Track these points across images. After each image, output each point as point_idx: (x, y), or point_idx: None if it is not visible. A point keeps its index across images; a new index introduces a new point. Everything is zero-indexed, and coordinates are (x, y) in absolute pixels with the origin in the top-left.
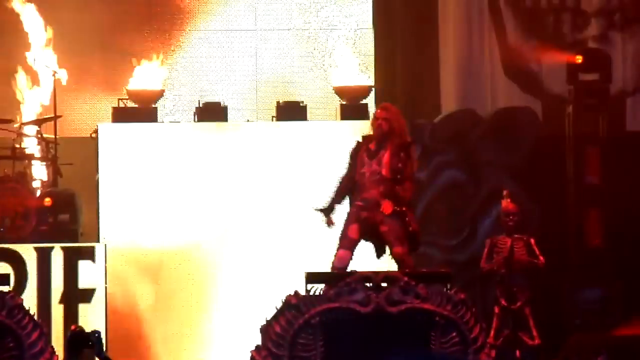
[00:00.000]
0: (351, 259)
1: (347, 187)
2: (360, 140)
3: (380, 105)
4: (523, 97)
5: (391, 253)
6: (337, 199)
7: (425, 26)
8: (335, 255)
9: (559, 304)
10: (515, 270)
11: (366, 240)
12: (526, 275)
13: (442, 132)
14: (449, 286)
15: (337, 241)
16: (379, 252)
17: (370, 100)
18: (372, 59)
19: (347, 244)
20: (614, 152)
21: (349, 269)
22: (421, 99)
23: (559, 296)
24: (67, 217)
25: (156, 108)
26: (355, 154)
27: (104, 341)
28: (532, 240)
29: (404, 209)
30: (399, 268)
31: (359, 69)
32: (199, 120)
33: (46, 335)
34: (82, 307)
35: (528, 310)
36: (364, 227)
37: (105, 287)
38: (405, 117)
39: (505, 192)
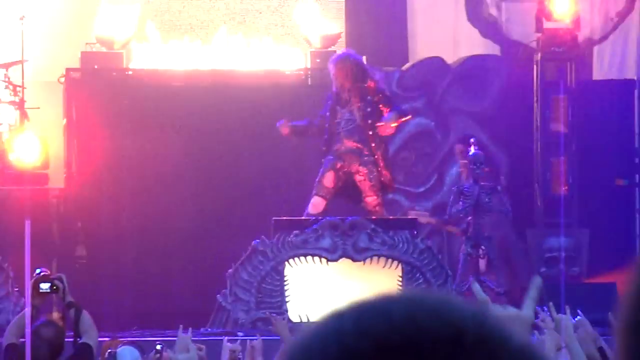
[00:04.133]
0: (326, 206)
1: (317, 131)
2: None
3: (329, 61)
4: (488, 44)
5: (363, 202)
6: (303, 129)
7: None
8: (310, 203)
9: (524, 251)
10: (481, 218)
11: (341, 190)
12: (492, 223)
13: (410, 80)
14: (415, 233)
15: (314, 188)
16: (354, 201)
17: (340, 47)
18: (342, 5)
19: (322, 192)
20: (581, 99)
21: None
22: (389, 47)
23: (524, 244)
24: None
25: (123, 53)
26: (328, 104)
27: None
28: (499, 188)
29: (376, 156)
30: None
31: (328, 15)
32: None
33: (12, 279)
34: None
35: (493, 258)
36: (340, 176)
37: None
38: (374, 64)
39: (472, 140)
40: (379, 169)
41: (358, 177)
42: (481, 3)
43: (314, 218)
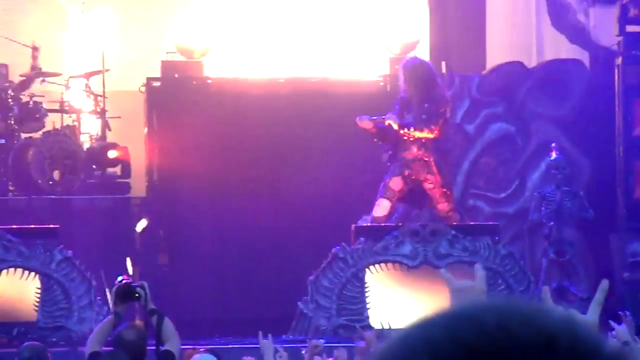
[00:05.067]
0: (392, 209)
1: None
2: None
3: (400, 66)
4: (571, 48)
5: (436, 209)
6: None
7: None
8: (376, 205)
9: (608, 256)
10: (563, 223)
11: (407, 195)
12: (575, 227)
13: (490, 85)
14: (496, 239)
15: (379, 191)
16: (419, 207)
17: (425, 52)
18: (421, 11)
19: (389, 195)
20: None
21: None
22: (468, 52)
23: (607, 249)
24: (117, 170)
25: (202, 62)
26: (396, 108)
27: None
28: (581, 193)
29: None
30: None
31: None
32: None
33: (95, 287)
34: None
35: (576, 263)
36: (407, 182)
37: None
38: (455, 70)
39: (553, 145)
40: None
41: (427, 185)
42: (567, 9)
43: (394, 225)
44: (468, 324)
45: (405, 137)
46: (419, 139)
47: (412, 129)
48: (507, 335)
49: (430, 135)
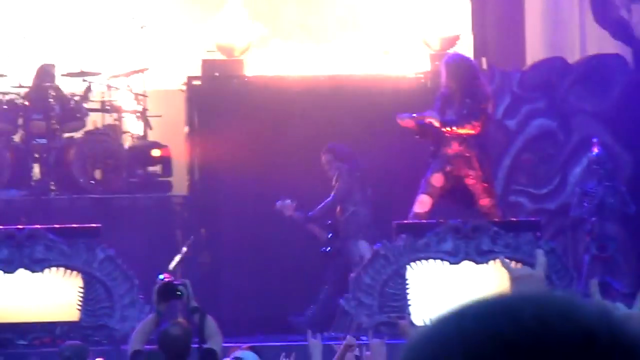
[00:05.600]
0: (432, 205)
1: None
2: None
3: (441, 62)
4: (614, 44)
5: (477, 205)
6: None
7: None
8: (417, 201)
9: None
10: (606, 218)
11: (448, 192)
12: (617, 223)
13: (531, 81)
14: (539, 235)
15: (420, 187)
16: (464, 204)
17: (465, 48)
18: (461, 7)
19: (430, 190)
20: None
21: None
22: (507, 48)
23: None
24: (158, 169)
25: (243, 60)
26: (437, 105)
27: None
28: (623, 188)
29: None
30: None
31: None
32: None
33: (137, 286)
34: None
35: (618, 258)
36: (449, 178)
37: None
38: (495, 65)
39: (595, 140)
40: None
41: (469, 181)
42: (610, 5)
43: (435, 221)
44: (504, 317)
45: (447, 134)
46: (460, 135)
47: (454, 126)
48: (545, 329)
49: (472, 132)
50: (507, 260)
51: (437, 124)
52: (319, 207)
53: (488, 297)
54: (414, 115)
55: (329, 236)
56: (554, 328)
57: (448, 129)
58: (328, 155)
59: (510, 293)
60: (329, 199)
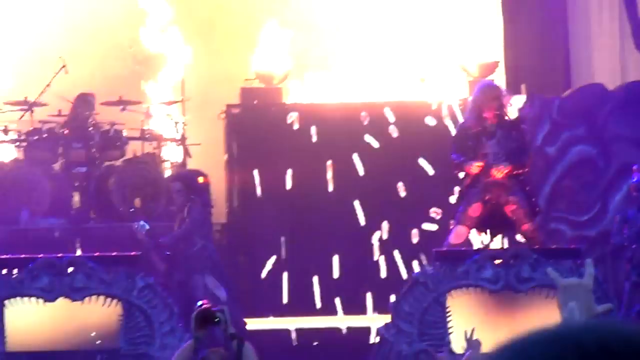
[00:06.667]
0: (468, 237)
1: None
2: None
3: (475, 89)
4: None
5: (519, 231)
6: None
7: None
8: (452, 232)
9: None
10: None
11: (485, 221)
12: None
13: (570, 107)
14: (579, 262)
15: (456, 219)
16: (504, 233)
17: (500, 75)
18: (499, 33)
19: (467, 222)
20: None
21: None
22: (549, 74)
23: None
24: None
25: (282, 88)
26: (473, 135)
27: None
28: None
29: (527, 188)
30: (528, 245)
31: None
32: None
33: (176, 314)
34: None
35: None
36: (488, 208)
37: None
38: (535, 92)
39: (635, 167)
40: (532, 199)
41: (510, 208)
42: None
43: (474, 249)
44: (568, 347)
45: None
46: (507, 160)
47: (508, 165)
48: (610, 358)
49: (527, 169)
50: (554, 271)
51: (477, 169)
52: (170, 235)
53: (550, 327)
54: (478, 164)
55: (165, 268)
56: (618, 356)
57: (501, 168)
58: (178, 184)
59: (565, 322)
60: (180, 230)
